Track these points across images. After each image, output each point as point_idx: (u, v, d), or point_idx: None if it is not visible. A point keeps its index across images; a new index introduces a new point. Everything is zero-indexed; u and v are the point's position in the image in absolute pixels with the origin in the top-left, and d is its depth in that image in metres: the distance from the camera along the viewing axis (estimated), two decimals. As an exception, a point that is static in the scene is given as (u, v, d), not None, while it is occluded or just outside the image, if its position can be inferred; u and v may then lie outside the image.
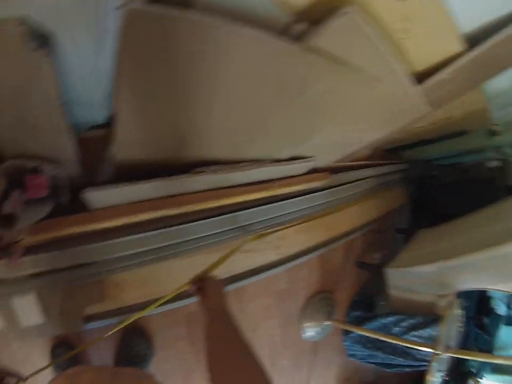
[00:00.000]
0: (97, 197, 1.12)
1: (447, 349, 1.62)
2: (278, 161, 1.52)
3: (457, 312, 1.83)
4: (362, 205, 2.32)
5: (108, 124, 1.16)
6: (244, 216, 1.56)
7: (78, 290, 1.28)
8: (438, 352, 1.60)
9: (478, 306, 2.09)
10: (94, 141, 1.19)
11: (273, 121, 1.22)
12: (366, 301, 2.48)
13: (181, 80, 0.88)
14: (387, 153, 2.72)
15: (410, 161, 3.03)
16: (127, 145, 1.09)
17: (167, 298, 1.03)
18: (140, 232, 1.32)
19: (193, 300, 0.98)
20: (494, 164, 3.04)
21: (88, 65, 0.89)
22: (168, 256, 1.39)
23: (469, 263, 1.68)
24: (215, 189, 1.38)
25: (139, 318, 1.44)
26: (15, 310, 1.17)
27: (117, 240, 1.27)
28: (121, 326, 0.98)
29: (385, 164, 2.57)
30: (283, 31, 0.94)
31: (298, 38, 0.93)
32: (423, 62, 1.19)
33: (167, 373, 1.58)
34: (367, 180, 2.32)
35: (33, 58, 0.73)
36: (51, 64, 0.79)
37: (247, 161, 1.42)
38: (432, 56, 1.17)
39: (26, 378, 1.16)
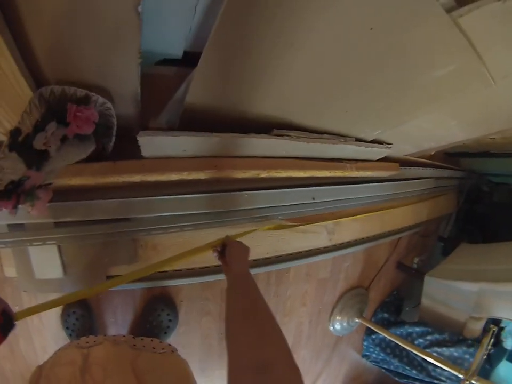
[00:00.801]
0: (151, 143, 0.89)
1: (474, 376, 1.52)
2: (361, 141, 1.31)
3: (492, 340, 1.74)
4: (417, 204, 2.20)
5: (180, 62, 0.93)
6: (315, 193, 1.37)
7: (108, 248, 1.08)
8: (469, 379, 1.50)
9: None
10: (161, 78, 0.96)
11: (374, 94, 1.02)
12: (395, 304, 2.42)
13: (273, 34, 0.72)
14: (447, 156, 2.57)
15: (466, 170, 2.90)
16: (202, 88, 0.84)
17: (181, 259, 0.87)
18: (191, 193, 1.09)
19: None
20: None
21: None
22: (215, 224, 1.18)
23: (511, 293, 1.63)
24: (290, 158, 1.16)
25: (168, 286, 1.28)
26: (32, 260, 0.99)
27: (162, 198, 1.05)
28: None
29: (444, 167, 2.39)
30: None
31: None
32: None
33: (185, 348, 1.43)
34: (427, 179, 2.16)
35: None
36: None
37: (330, 134, 1.19)
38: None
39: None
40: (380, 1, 0.69)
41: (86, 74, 0.76)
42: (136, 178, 0.95)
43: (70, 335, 1.17)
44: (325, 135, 1.17)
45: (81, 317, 1.16)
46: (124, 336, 0.94)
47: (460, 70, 0.92)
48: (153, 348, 0.90)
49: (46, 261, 1.01)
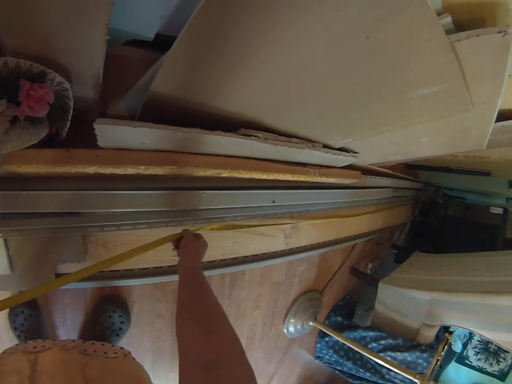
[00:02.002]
0: (108, 132, 0.83)
1: (430, 381, 1.62)
2: (328, 147, 1.32)
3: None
4: (373, 212, 2.27)
5: (150, 45, 0.88)
6: (276, 196, 1.36)
7: (56, 243, 1.01)
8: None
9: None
10: (126, 61, 0.90)
11: (353, 104, 1.02)
12: (348, 308, 2.48)
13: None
14: (406, 168, 2.69)
15: (424, 182, 3.02)
16: (171, 77, 0.80)
17: (138, 253, 0.84)
18: (147, 189, 1.04)
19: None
20: (497, 211, 3.16)
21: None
22: (171, 223, 1.13)
23: (463, 303, 1.72)
24: (253, 159, 1.14)
25: (121, 286, 1.22)
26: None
27: (116, 192, 0.99)
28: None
29: (403, 178, 2.48)
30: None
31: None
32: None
33: (137, 350, 1.38)
34: (386, 189, 2.23)
35: None
36: None
37: (299, 138, 1.18)
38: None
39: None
40: (383, 13, 0.68)
41: (44, 47, 0.69)
42: (90, 169, 0.88)
43: (19, 336, 1.10)
44: (293, 139, 1.16)
45: (29, 317, 1.08)
46: (74, 341, 0.89)
47: (444, 92, 0.95)
48: (105, 353, 0.86)
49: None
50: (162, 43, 0.86)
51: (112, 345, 0.92)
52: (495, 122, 1.16)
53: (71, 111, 0.80)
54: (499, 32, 0.77)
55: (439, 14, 0.85)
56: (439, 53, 0.80)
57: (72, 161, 0.84)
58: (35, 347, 0.82)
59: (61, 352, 0.81)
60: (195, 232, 0.96)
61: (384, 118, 1.13)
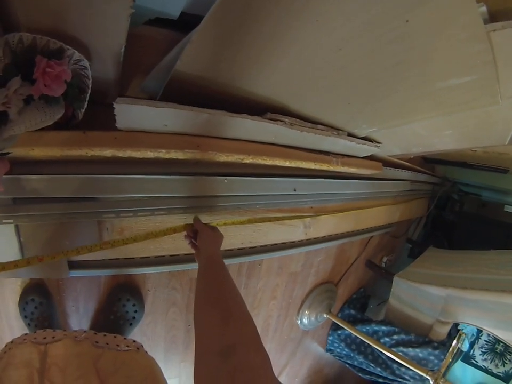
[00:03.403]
0: (128, 113, 0.78)
1: (442, 378, 1.58)
2: (353, 136, 1.28)
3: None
4: (391, 205, 2.23)
5: (173, 24, 0.82)
6: (297, 185, 1.31)
7: (70, 229, 0.97)
8: (437, 381, 1.56)
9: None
10: (147, 40, 0.84)
11: (382, 91, 0.98)
12: (361, 301, 2.45)
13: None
14: (424, 161, 2.64)
15: (441, 176, 2.97)
16: (197, 56, 0.74)
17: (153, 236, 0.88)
18: (166, 174, 1.00)
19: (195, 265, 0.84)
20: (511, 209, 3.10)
21: None
22: (189, 210, 1.08)
23: (478, 301, 1.68)
24: (277, 145, 1.08)
25: (136, 274, 1.19)
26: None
27: (135, 177, 0.95)
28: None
29: (421, 172, 2.42)
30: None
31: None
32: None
33: (150, 339, 1.36)
34: (404, 182, 2.18)
35: None
36: None
37: (324, 125, 1.13)
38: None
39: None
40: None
41: (63, 22, 0.63)
42: (108, 152, 0.83)
43: (29, 324, 1.06)
44: (319, 126, 1.11)
45: (40, 305, 1.05)
46: (85, 331, 0.86)
47: (474, 83, 0.92)
48: (117, 345, 0.83)
49: (2, 242, 0.89)
50: (187, 23, 0.80)
51: (125, 338, 0.89)
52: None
53: (89, 91, 0.74)
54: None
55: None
56: (474, 42, 0.78)
57: (89, 144, 0.79)
58: (45, 338, 0.79)
59: (73, 344, 0.78)
60: (211, 225, 0.96)
61: (412, 107, 1.10)
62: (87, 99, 0.75)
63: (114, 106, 0.74)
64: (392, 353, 1.75)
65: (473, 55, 0.82)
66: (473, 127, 1.32)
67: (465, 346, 2.90)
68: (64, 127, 0.78)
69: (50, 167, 0.84)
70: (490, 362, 3.03)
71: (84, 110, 0.77)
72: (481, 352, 3.06)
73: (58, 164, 0.84)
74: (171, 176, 1.00)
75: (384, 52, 0.79)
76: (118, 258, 1.11)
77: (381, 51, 0.79)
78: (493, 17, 0.85)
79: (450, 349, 1.67)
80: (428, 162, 2.67)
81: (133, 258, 1.15)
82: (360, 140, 1.30)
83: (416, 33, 0.73)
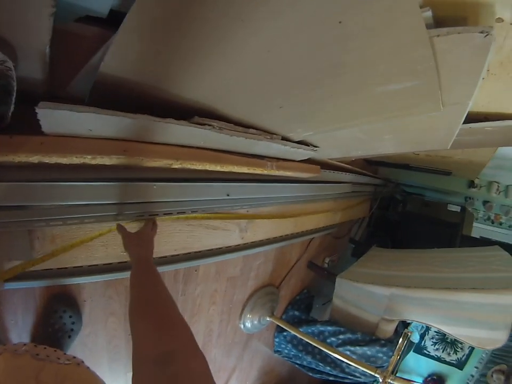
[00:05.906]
0: (52, 117, 0.75)
1: (391, 375, 1.62)
2: (288, 140, 1.29)
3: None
4: (332, 207, 2.30)
5: (104, 22, 0.80)
6: (231, 189, 1.32)
7: (0, 239, 0.93)
8: (388, 379, 1.59)
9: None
10: (78, 39, 0.81)
11: (318, 95, 0.97)
12: (306, 302, 2.49)
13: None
14: (366, 164, 2.74)
15: (383, 178, 3.09)
16: (121, 58, 0.74)
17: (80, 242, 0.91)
18: (96, 180, 0.97)
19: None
20: (455, 209, 3.30)
21: None
22: (120, 216, 1.06)
23: (422, 298, 1.75)
24: (207, 149, 1.09)
25: (70, 284, 1.15)
26: None
27: (63, 184, 0.92)
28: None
29: (363, 174, 2.51)
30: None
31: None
32: (483, 106, 1.20)
33: (92, 351, 1.31)
34: (345, 184, 2.25)
35: None
36: None
37: (257, 129, 1.14)
38: (495, 105, 1.18)
39: None
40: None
41: None
42: (34, 158, 0.80)
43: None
44: (251, 130, 1.11)
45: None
46: (25, 344, 0.81)
47: (416, 88, 0.92)
48: (58, 358, 0.80)
49: None
50: (119, 20, 0.81)
51: (64, 354, 0.85)
52: (462, 123, 1.16)
53: (15, 94, 0.71)
54: (481, 32, 0.75)
55: (420, 7, 0.80)
56: (416, 46, 0.77)
57: (15, 150, 0.76)
58: None
59: (13, 358, 0.74)
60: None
61: (350, 111, 1.09)
62: (13, 101, 0.72)
63: (36, 111, 0.71)
64: (338, 354, 1.79)
65: (414, 60, 0.81)
66: (416, 132, 1.33)
67: (415, 338, 3.05)
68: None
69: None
70: (443, 351, 3.23)
71: (10, 113, 0.74)
72: (432, 343, 3.26)
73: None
74: (100, 183, 0.97)
75: (318, 54, 0.78)
76: (51, 269, 1.07)
77: (314, 53, 0.78)
78: (440, 23, 0.84)
79: (397, 347, 1.73)
80: (370, 164, 2.78)
81: (66, 268, 1.10)
82: (295, 144, 1.30)
83: (353, 35, 0.72)
